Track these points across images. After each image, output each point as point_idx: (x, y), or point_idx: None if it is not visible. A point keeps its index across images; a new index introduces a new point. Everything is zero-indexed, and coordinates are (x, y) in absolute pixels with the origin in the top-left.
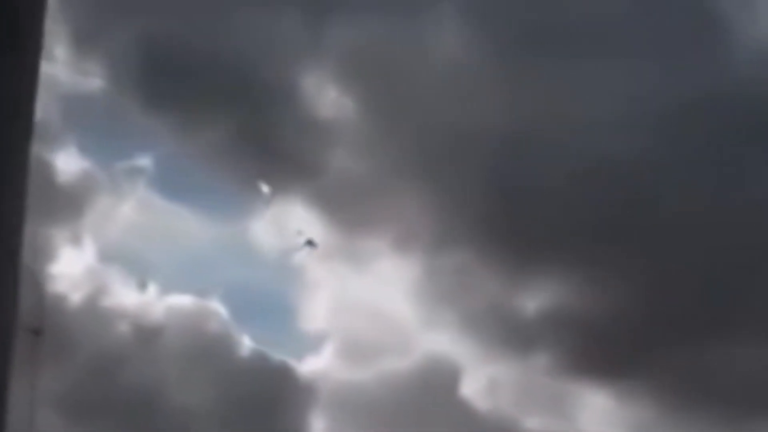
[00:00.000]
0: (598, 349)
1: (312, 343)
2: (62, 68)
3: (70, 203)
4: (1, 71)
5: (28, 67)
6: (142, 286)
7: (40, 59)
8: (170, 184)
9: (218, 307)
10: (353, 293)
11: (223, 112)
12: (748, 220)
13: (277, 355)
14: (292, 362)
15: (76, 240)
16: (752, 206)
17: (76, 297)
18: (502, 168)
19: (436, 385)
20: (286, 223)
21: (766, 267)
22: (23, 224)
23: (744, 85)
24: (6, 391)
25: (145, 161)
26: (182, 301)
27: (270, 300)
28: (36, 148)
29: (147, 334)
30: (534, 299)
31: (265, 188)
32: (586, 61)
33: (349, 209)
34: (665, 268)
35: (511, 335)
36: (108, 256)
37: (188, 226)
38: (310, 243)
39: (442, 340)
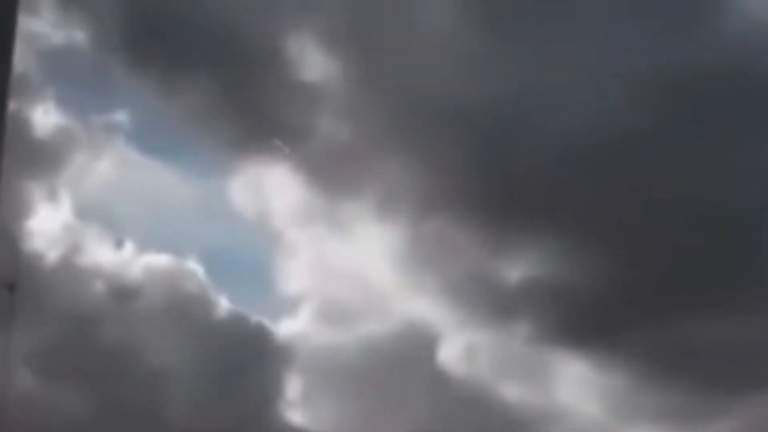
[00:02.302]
0: (577, 319)
1: (290, 306)
2: (44, 21)
3: (47, 158)
4: None
5: (4, 25)
6: (119, 244)
7: (17, 17)
8: (149, 141)
9: (195, 267)
10: (333, 257)
11: (207, 72)
12: (728, 195)
13: (255, 317)
14: (270, 324)
15: (52, 195)
16: (734, 182)
17: (52, 254)
18: (487, 136)
19: (414, 351)
20: (265, 185)
21: (743, 242)
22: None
23: (734, 58)
24: None
25: (123, 117)
26: (159, 260)
27: (248, 261)
28: (14, 103)
29: (123, 293)
30: (514, 268)
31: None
32: (575, 34)
33: (332, 173)
34: (644, 241)
35: (491, 303)
36: (85, 212)
37: (166, 183)
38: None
39: (421, 306)
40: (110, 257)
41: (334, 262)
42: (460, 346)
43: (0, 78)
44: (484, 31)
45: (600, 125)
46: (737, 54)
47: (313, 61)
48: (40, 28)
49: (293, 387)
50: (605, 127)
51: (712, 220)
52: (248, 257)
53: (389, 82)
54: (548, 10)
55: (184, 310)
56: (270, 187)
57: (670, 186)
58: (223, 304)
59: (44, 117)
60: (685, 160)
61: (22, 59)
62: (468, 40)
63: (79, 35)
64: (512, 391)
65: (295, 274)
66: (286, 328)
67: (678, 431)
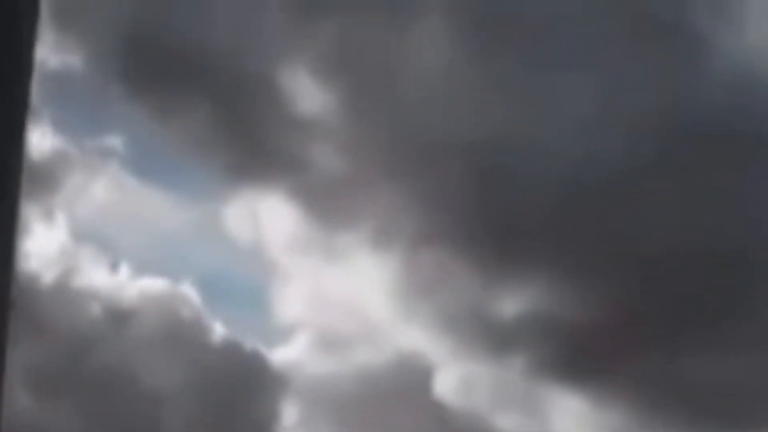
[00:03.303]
0: (574, 353)
1: (285, 334)
2: (40, 44)
3: (43, 180)
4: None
5: (24, 50)
6: (115, 267)
7: (35, 44)
8: (144, 166)
9: (190, 292)
10: (329, 286)
11: (203, 99)
12: (728, 228)
13: (250, 344)
14: (265, 351)
15: (48, 217)
16: (732, 214)
17: (48, 276)
18: (483, 168)
19: (409, 381)
20: (261, 213)
21: (744, 276)
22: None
23: (718, 96)
24: None
25: (119, 141)
26: (154, 284)
27: (243, 288)
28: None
29: (118, 317)
30: (511, 301)
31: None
32: (567, 68)
33: (328, 203)
34: (642, 274)
35: (487, 335)
36: (80, 234)
37: (161, 208)
38: None
39: (416, 337)
40: (106, 280)
41: (329, 291)
42: (456, 378)
43: (20, 110)
44: (482, 64)
45: (600, 161)
46: (723, 92)
47: (308, 91)
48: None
49: (288, 415)
50: (605, 163)
51: (713, 257)
52: (243, 284)
53: (385, 113)
54: (546, 44)
55: (178, 334)
56: (265, 215)
57: (669, 223)
58: (218, 330)
59: (41, 140)
60: (685, 197)
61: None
62: (465, 73)
63: (75, 59)
64: (509, 425)
65: (290, 302)
66: (282, 355)
67: None
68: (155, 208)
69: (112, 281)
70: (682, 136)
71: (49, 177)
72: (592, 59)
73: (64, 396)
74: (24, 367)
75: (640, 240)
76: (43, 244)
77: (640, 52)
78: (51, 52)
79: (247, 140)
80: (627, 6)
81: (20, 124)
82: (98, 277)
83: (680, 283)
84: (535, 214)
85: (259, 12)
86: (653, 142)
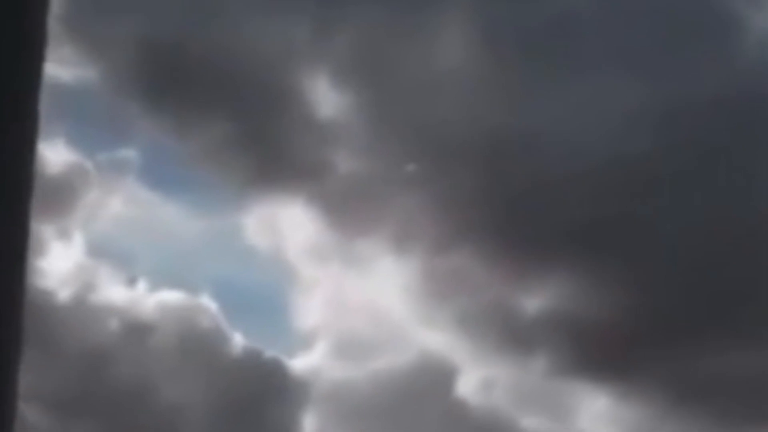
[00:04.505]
0: (597, 351)
1: (305, 341)
2: (51, 58)
3: (58, 196)
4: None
5: (34, 63)
6: (132, 281)
7: (45, 55)
8: (160, 178)
9: (209, 304)
10: (348, 291)
11: (219, 108)
12: (749, 225)
13: (269, 352)
14: (285, 359)
15: (64, 234)
16: (754, 212)
17: (65, 293)
18: (503, 169)
19: (431, 384)
20: (280, 221)
21: (765, 271)
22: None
23: (753, 85)
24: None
25: (134, 154)
26: (172, 297)
27: (262, 297)
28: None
29: (137, 331)
30: (532, 300)
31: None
32: (593, 61)
33: (347, 209)
34: (664, 269)
35: (509, 336)
36: (97, 250)
37: (178, 220)
38: None
39: (438, 339)
40: (123, 295)
41: (349, 296)
42: (478, 379)
43: (29, 125)
44: (500, 62)
45: (623, 156)
46: (758, 82)
47: (326, 97)
48: (47, 65)
49: (310, 422)
50: (628, 158)
51: (735, 250)
52: (262, 293)
53: (404, 117)
54: (561, 40)
55: (198, 346)
56: (284, 223)
57: (691, 216)
58: (238, 340)
59: (54, 155)
60: (710, 190)
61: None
62: (485, 75)
63: (88, 72)
64: (532, 425)
65: (310, 309)
66: (302, 363)
67: None
68: (172, 220)
69: (130, 296)
70: (709, 125)
71: (64, 193)
72: (619, 51)
73: (84, 414)
74: (43, 387)
75: (662, 237)
76: (59, 261)
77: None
78: (62, 67)
79: (265, 148)
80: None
81: (31, 138)
82: (116, 293)
83: (705, 277)
84: (555, 214)
85: (276, 19)
86: (680, 132)
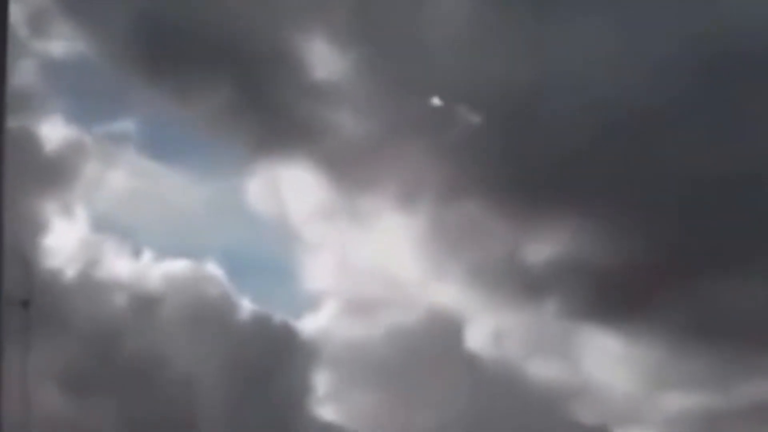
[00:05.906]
0: (604, 293)
1: (313, 302)
2: (46, 35)
3: (58, 173)
4: None
5: None
6: (137, 253)
7: (7, 32)
8: (159, 147)
9: (215, 270)
10: (355, 250)
11: (220, 75)
12: (754, 165)
13: (278, 316)
14: (294, 322)
15: (67, 211)
16: (760, 152)
17: (70, 270)
18: (510, 118)
19: (441, 338)
20: (283, 183)
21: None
22: (3, 198)
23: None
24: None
25: (132, 125)
26: (178, 266)
27: (268, 261)
28: (20, 119)
29: (144, 303)
30: (539, 247)
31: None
32: (594, 12)
33: (350, 168)
34: (670, 214)
35: (518, 284)
36: (100, 224)
37: (180, 188)
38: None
39: (447, 293)
40: (129, 267)
41: (356, 255)
42: (488, 329)
43: None
44: (500, 14)
45: (626, 103)
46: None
47: (325, 58)
48: (42, 40)
49: (322, 383)
50: (630, 104)
51: (740, 190)
52: (268, 257)
53: (403, 73)
54: None
55: (207, 314)
56: (287, 186)
57: (695, 160)
58: (246, 305)
59: (52, 131)
60: (711, 134)
61: (25, 73)
62: (483, 24)
63: (83, 45)
64: (543, 369)
65: (316, 270)
66: (311, 324)
67: (710, 396)
68: (173, 188)
69: (136, 268)
70: (713, 67)
71: (64, 169)
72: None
73: (97, 388)
74: (55, 364)
75: (669, 179)
76: (64, 238)
77: None
78: (60, 41)
79: (265, 111)
80: None
81: None
82: (121, 266)
83: (711, 216)
84: (561, 161)
85: None
86: (683, 74)
